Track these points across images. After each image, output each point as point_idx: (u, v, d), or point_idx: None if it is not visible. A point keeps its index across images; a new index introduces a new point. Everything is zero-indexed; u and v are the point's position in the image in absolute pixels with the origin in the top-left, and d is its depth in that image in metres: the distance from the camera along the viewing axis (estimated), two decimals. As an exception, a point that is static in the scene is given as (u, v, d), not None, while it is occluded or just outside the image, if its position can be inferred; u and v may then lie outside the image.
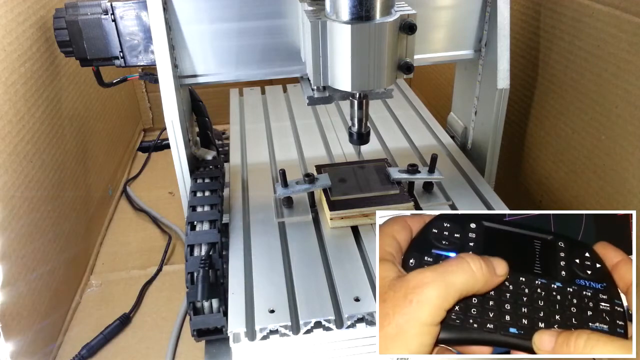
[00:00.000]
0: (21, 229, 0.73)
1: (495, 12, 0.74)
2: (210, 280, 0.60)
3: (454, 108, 0.94)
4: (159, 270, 0.96)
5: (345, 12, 0.54)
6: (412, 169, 0.72)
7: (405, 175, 0.72)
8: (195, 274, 0.59)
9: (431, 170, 0.72)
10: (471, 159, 0.84)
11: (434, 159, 0.72)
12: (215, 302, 0.60)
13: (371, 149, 0.87)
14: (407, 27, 0.56)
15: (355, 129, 0.66)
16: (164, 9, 0.66)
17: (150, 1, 0.65)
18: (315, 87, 0.64)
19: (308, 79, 0.62)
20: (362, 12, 0.54)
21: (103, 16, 0.69)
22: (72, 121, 0.95)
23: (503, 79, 0.76)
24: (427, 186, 0.74)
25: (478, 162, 0.84)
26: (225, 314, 0.58)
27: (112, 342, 0.82)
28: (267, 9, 0.69)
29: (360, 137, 0.67)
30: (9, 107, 0.72)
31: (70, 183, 0.92)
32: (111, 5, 0.68)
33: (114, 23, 0.69)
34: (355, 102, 0.64)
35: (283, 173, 0.70)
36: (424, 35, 0.76)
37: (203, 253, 0.62)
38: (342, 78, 0.58)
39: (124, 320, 0.85)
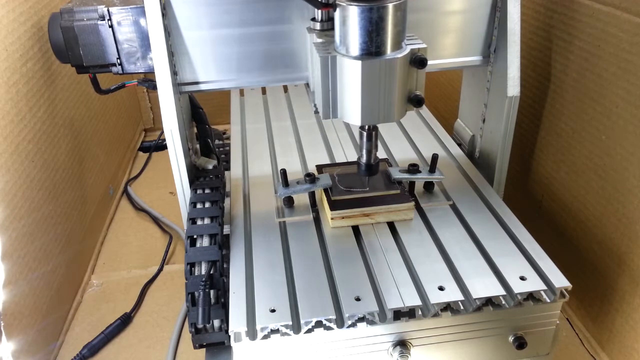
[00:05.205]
0: (22, 228, 0.73)
1: (505, 17, 0.71)
2: (212, 302, 0.59)
3: (460, 115, 0.92)
4: (160, 269, 0.97)
5: (355, 47, 0.54)
6: (413, 168, 0.72)
7: (405, 175, 0.72)
8: (196, 295, 0.58)
9: (432, 170, 0.72)
10: (479, 168, 0.82)
11: (434, 158, 0.72)
12: (216, 322, 0.60)
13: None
14: (418, 61, 0.55)
15: (364, 159, 0.65)
16: (163, 15, 0.64)
17: (149, 7, 0.63)
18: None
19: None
20: (372, 48, 0.53)
21: (100, 22, 0.67)
22: (74, 121, 0.95)
23: (513, 87, 0.74)
24: (428, 186, 0.74)
25: (487, 171, 0.82)
26: (227, 331, 0.58)
27: (113, 341, 0.83)
28: (268, 15, 0.67)
29: (369, 169, 0.66)
30: (11, 106, 0.72)
31: (72, 183, 0.92)
32: (108, 10, 0.66)
33: (110, 29, 0.67)
34: (365, 133, 0.63)
35: (284, 173, 0.70)
36: (432, 41, 0.73)
37: (204, 270, 0.61)
38: (351, 112, 0.57)
39: (125, 320, 0.85)
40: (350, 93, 0.56)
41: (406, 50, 0.55)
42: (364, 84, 0.55)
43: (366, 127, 0.63)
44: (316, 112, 0.61)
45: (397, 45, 0.55)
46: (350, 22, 0.53)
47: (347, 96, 0.56)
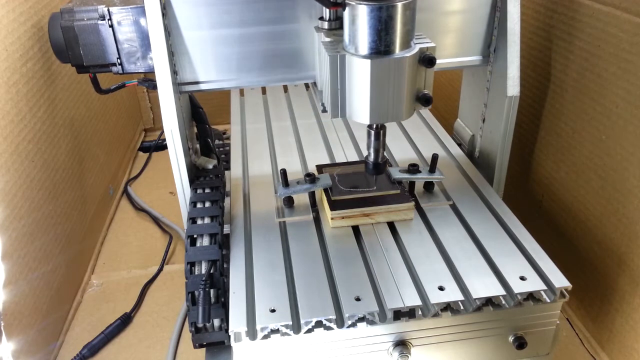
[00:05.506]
0: (22, 228, 0.73)
1: (505, 17, 0.71)
2: (212, 301, 0.59)
3: (460, 114, 0.92)
4: (160, 269, 0.97)
5: (364, 46, 0.54)
6: (413, 168, 0.72)
7: (405, 175, 0.72)
8: (196, 294, 0.58)
9: (432, 170, 0.72)
10: (479, 168, 0.82)
11: (434, 158, 0.72)
12: (217, 321, 0.60)
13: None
14: (427, 60, 0.55)
15: (371, 158, 0.65)
16: (163, 15, 0.64)
17: (149, 6, 0.63)
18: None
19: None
20: (381, 47, 0.53)
21: (100, 22, 0.67)
22: (74, 121, 0.95)
23: (513, 86, 0.74)
24: (428, 186, 0.74)
25: (487, 171, 0.82)
26: (227, 330, 0.58)
27: (113, 341, 0.83)
28: (268, 15, 0.67)
29: (376, 168, 0.66)
30: (11, 106, 0.72)
31: (72, 183, 0.92)
32: (108, 10, 0.66)
33: (111, 29, 0.67)
34: (372, 132, 0.63)
35: (284, 173, 0.70)
36: (432, 40, 0.73)
37: (204, 269, 0.61)
38: (360, 111, 0.57)
39: (125, 320, 0.85)
40: (359, 92, 0.56)
41: (415, 49, 0.55)
42: (373, 82, 0.55)
43: (374, 126, 0.63)
44: (324, 110, 0.61)
45: (406, 44, 0.55)
46: (360, 21, 0.53)
47: (356, 95, 0.56)
